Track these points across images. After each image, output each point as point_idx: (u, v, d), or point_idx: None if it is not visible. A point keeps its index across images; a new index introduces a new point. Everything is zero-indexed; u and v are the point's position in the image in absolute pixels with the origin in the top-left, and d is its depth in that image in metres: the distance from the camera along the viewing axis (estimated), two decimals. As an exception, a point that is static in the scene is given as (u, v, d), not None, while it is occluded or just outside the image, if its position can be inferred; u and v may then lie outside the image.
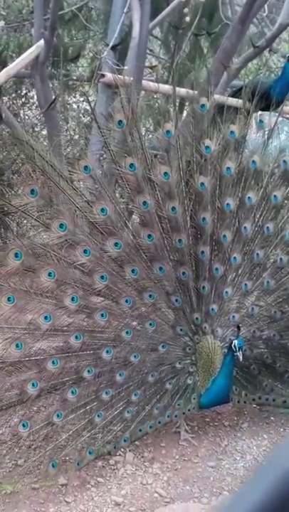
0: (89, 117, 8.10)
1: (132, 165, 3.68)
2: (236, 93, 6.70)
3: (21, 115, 9.58)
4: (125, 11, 6.51)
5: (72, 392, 3.69)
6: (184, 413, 4.14)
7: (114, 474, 3.95)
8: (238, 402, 4.43)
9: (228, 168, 3.98)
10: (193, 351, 4.04)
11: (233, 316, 4.15)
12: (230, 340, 3.95)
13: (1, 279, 3.58)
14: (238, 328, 3.98)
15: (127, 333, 3.78)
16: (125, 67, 6.27)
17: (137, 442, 4.20)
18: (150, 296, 3.78)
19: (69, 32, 8.53)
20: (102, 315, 3.68)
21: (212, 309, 4.02)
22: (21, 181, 3.63)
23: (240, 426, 4.56)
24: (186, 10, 6.50)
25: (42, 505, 3.61)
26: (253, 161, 4.11)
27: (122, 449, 4.11)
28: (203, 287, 3.95)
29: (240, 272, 4.09)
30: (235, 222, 4.03)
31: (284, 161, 4.25)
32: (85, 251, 3.58)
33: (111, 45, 6.06)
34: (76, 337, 3.64)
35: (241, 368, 4.27)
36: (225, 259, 4.01)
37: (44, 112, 7.14)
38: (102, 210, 3.61)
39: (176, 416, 4.11)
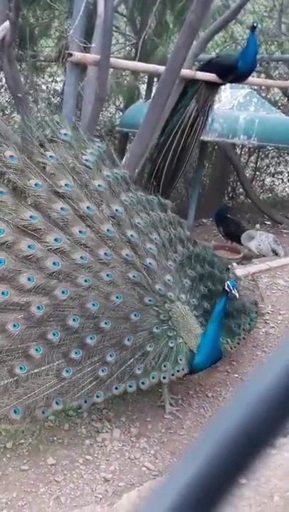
0: (59, 98, 8.03)
1: (36, 184, 3.97)
2: (204, 67, 6.72)
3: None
4: (89, -12, 6.45)
5: (36, 350, 3.77)
6: (172, 375, 4.22)
7: (102, 451, 4.01)
8: (231, 349, 4.81)
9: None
10: (168, 318, 4.24)
11: (186, 282, 4.54)
12: (223, 284, 4.32)
13: None
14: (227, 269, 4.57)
15: (93, 305, 3.94)
16: (92, 45, 6.23)
17: (122, 418, 4.27)
18: (108, 275, 4.02)
19: (34, 12, 8.40)
20: (62, 292, 3.85)
21: (168, 280, 4.34)
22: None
23: (224, 396, 4.65)
24: (150, -15, 6.46)
25: (32, 486, 3.64)
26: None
27: (109, 426, 4.17)
28: (150, 263, 4.25)
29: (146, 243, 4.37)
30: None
31: None
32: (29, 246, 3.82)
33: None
34: (38, 307, 3.77)
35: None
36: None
37: (14, 95, 7.08)
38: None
39: (164, 378, 4.18)
